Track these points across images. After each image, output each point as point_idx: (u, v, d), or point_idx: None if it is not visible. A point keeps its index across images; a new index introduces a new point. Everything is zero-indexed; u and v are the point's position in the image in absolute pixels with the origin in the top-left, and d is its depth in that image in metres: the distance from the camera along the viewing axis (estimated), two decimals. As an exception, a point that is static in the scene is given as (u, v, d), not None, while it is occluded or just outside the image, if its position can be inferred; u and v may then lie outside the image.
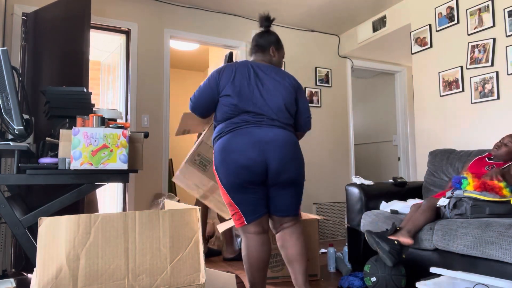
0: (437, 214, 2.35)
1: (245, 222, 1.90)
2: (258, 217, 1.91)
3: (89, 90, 2.75)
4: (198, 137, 2.90)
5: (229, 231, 3.27)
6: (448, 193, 2.34)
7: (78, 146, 1.74)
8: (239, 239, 3.56)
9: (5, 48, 1.75)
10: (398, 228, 2.29)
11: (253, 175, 1.85)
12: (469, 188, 2.22)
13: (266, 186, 1.93)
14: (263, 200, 1.93)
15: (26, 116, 1.93)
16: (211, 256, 3.44)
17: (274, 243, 2.59)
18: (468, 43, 3.27)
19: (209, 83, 1.97)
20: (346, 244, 2.95)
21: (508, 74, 2.98)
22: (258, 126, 1.90)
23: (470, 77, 3.24)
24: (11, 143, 1.72)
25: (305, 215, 2.92)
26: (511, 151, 2.48)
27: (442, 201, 2.32)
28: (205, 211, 3.52)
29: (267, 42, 2.10)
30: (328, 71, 4.79)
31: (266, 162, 1.85)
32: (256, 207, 1.90)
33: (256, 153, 1.84)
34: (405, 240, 2.21)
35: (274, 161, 1.86)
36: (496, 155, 2.52)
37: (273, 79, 1.99)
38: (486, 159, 2.59)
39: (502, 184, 2.20)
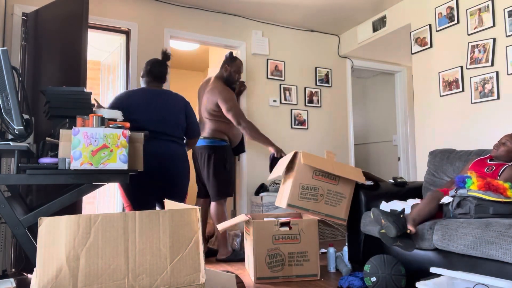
0: (440, 211, 2.35)
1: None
2: None
3: (89, 90, 2.75)
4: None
5: (223, 231, 3.24)
6: (452, 192, 2.33)
7: (78, 146, 1.74)
8: (238, 239, 3.56)
9: (5, 48, 1.75)
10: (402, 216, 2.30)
11: None
12: (473, 187, 2.21)
13: None
14: None
15: (26, 116, 1.92)
16: (211, 256, 3.44)
17: (275, 244, 2.59)
18: (468, 43, 3.27)
19: None
20: (346, 244, 2.95)
21: (508, 74, 2.98)
22: None
23: (470, 77, 3.25)
24: (11, 143, 1.72)
25: (305, 215, 2.92)
26: (510, 150, 2.48)
27: (446, 199, 2.32)
28: (206, 211, 3.52)
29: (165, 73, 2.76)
30: (328, 71, 4.79)
31: None
32: None
33: None
34: (409, 227, 2.22)
35: None
36: (496, 156, 2.52)
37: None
38: (488, 160, 2.59)
39: (507, 185, 2.19)
